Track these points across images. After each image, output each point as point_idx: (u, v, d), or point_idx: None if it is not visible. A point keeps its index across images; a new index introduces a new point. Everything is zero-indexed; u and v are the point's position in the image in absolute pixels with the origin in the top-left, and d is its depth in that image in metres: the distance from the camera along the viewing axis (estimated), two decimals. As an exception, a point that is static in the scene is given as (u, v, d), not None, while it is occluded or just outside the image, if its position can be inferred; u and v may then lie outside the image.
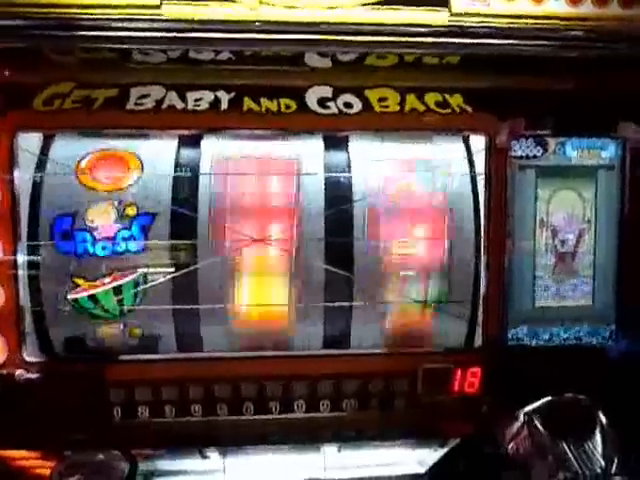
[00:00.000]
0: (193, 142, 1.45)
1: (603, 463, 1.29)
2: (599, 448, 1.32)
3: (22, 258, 1.38)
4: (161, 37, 1.26)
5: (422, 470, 1.45)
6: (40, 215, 1.39)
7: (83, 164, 1.42)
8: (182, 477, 1.42)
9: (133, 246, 1.41)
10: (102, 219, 1.40)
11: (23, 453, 1.37)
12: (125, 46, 1.27)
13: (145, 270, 1.41)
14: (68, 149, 1.42)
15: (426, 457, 1.47)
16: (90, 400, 1.39)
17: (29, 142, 1.40)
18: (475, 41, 1.31)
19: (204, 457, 1.44)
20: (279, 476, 1.42)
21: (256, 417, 1.43)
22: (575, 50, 1.35)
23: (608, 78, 1.43)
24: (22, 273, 1.39)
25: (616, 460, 1.30)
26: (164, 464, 1.41)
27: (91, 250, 1.40)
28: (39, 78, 1.36)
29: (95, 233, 1.40)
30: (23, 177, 1.38)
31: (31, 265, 1.40)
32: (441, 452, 1.47)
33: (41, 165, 1.40)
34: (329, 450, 1.46)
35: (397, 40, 1.29)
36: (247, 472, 1.43)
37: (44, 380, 1.38)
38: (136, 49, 1.30)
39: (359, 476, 1.44)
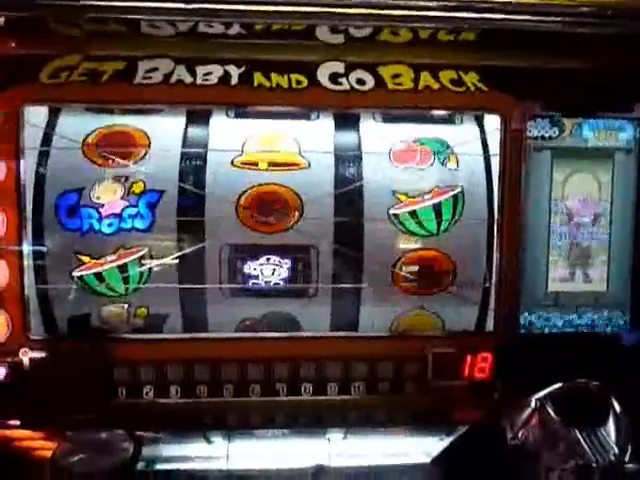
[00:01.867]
0: (202, 118, 1.43)
1: (617, 451, 1.26)
2: (612, 436, 1.29)
3: (27, 234, 1.36)
4: (170, 8, 1.23)
5: (428, 459, 1.43)
6: (45, 191, 1.37)
7: (90, 139, 1.40)
8: (185, 463, 1.39)
9: (139, 223, 1.39)
10: (108, 196, 1.38)
11: (27, 433, 1.36)
12: (133, 16, 1.24)
13: (151, 248, 1.39)
14: (75, 124, 1.40)
15: (433, 445, 1.45)
16: (94, 380, 1.37)
17: (35, 116, 1.38)
18: (491, 16, 1.28)
19: (209, 442, 1.43)
20: (282, 463, 1.40)
21: (263, 399, 1.41)
22: (593, 27, 1.31)
23: (627, 58, 1.39)
24: (27, 250, 1.36)
25: (630, 448, 1.28)
26: (167, 449, 1.38)
27: (97, 227, 1.38)
28: (45, 50, 1.33)
29: (101, 210, 1.38)
30: (29, 152, 1.36)
31: (36, 242, 1.37)
32: (448, 440, 1.45)
33: (47, 140, 1.38)
34: (334, 437, 1.44)
35: (411, 14, 1.26)
36: (250, 459, 1.40)
37: (48, 359, 1.37)
38: (144, 21, 1.27)
39: (364, 464, 1.41)
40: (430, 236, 1.45)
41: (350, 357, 1.42)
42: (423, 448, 1.43)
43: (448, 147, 1.46)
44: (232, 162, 1.42)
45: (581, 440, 1.27)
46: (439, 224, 1.44)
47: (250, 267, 1.41)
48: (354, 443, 1.44)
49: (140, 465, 1.30)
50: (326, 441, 1.42)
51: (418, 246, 1.45)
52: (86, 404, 1.35)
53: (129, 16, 1.25)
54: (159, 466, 1.34)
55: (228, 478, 1.34)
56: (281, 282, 1.42)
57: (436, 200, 1.44)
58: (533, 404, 1.37)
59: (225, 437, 1.40)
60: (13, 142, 1.34)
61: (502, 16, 1.28)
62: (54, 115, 1.41)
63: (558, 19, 1.31)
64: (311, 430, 1.43)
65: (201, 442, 1.41)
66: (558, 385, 1.37)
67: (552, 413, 1.33)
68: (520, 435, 1.37)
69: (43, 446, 1.34)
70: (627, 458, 1.26)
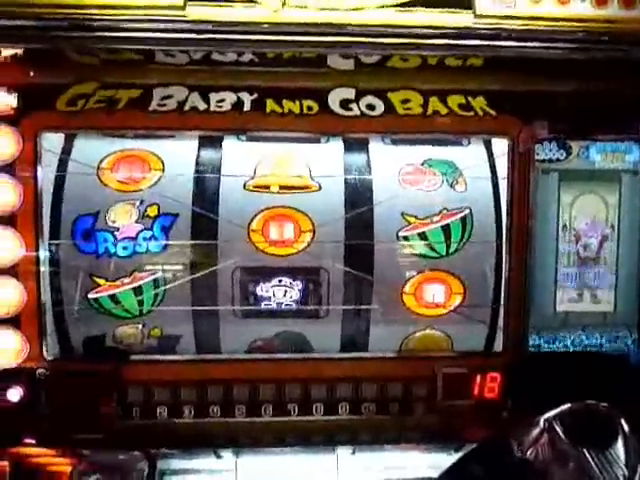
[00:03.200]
0: (215, 143, 1.45)
1: (626, 472, 1.27)
2: (622, 456, 1.30)
3: (44, 257, 1.39)
4: (184, 38, 1.26)
5: (435, 474, 1.44)
6: (62, 215, 1.40)
7: (105, 164, 1.43)
8: (194, 476, 1.42)
9: (154, 247, 1.41)
10: (123, 219, 1.41)
11: (42, 451, 1.38)
12: (148, 47, 1.28)
13: (166, 271, 1.42)
14: (90, 149, 1.43)
15: (441, 462, 1.45)
16: (109, 399, 1.39)
17: (52, 142, 1.40)
18: (499, 43, 1.30)
19: (218, 457, 1.44)
20: (291, 478, 1.42)
21: (274, 419, 1.43)
22: (600, 52, 1.33)
23: (633, 81, 1.41)
24: (44, 272, 1.39)
25: (639, 469, 1.29)
26: (176, 463, 1.41)
27: (112, 250, 1.41)
28: (62, 79, 1.37)
29: (116, 233, 1.41)
30: (46, 177, 1.39)
31: (52, 264, 1.40)
32: (456, 457, 1.46)
33: (63, 165, 1.41)
34: (342, 453, 1.45)
35: (421, 42, 1.29)
36: (259, 473, 1.43)
37: (64, 379, 1.38)
38: (159, 50, 1.30)
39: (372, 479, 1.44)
40: (439, 258, 1.47)
41: (360, 378, 1.44)
42: (431, 465, 1.44)
43: (456, 170, 1.48)
44: (244, 185, 1.44)
45: (590, 461, 1.28)
46: (448, 246, 1.46)
47: (262, 289, 1.43)
48: (362, 459, 1.45)
49: (154, 480, 1.32)
50: (334, 457, 1.44)
51: (427, 268, 1.46)
52: (101, 424, 1.37)
53: (146, 47, 1.28)
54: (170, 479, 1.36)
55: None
56: (292, 304, 1.44)
57: (445, 222, 1.46)
58: (542, 424, 1.38)
59: (234, 452, 1.42)
60: (31, 168, 1.37)
61: (507, 43, 1.31)
62: (70, 141, 1.43)
63: (563, 45, 1.33)
64: (321, 448, 1.44)
65: (212, 459, 1.43)
66: (567, 405, 1.39)
67: (561, 433, 1.34)
68: (529, 454, 1.38)
69: (58, 464, 1.37)
70: (636, 478, 1.27)
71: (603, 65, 1.37)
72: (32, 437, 1.37)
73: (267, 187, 1.45)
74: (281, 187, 1.45)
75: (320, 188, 1.45)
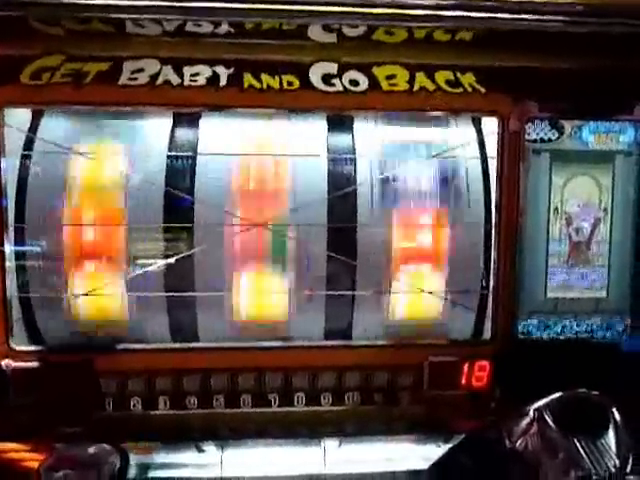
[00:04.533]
0: (190, 121, 1.38)
1: (617, 461, 1.23)
2: (613, 446, 1.26)
3: (9, 240, 1.32)
4: (156, 6, 1.18)
5: (425, 466, 1.40)
6: (28, 195, 1.32)
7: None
8: (178, 470, 1.35)
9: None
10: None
11: (11, 445, 1.31)
12: (118, 15, 1.19)
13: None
14: (58, 127, 1.36)
15: (429, 453, 1.41)
16: (81, 391, 1.33)
17: (17, 118, 1.33)
18: (487, 15, 1.24)
19: (200, 451, 1.39)
20: (278, 471, 1.36)
21: (255, 410, 1.37)
22: (593, 26, 1.27)
23: (627, 59, 1.36)
24: (9, 258, 1.32)
25: (630, 459, 1.25)
26: (159, 457, 1.34)
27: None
28: (26, 50, 1.28)
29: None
30: (10, 156, 1.31)
31: (18, 250, 1.33)
32: (445, 448, 1.42)
33: (29, 143, 1.33)
34: (330, 445, 1.40)
35: (406, 13, 1.22)
36: (245, 466, 1.36)
37: (33, 370, 1.32)
38: (129, 20, 1.22)
39: (360, 471, 1.38)
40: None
41: (344, 366, 1.39)
42: (420, 456, 1.39)
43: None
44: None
45: (581, 450, 1.24)
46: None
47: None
48: (349, 450, 1.40)
49: (132, 473, 1.26)
50: (321, 449, 1.39)
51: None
52: (73, 416, 1.31)
53: (114, 15, 1.20)
54: (152, 474, 1.30)
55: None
56: (274, 288, 1.39)
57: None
58: (532, 413, 1.34)
59: (219, 446, 1.36)
60: (-7, 145, 1.30)
61: (500, 15, 1.25)
62: (37, 117, 1.36)
63: (557, 18, 1.27)
64: (306, 439, 1.39)
65: (193, 451, 1.37)
66: (557, 394, 1.35)
67: (551, 423, 1.30)
68: (518, 444, 1.34)
69: (29, 459, 1.31)
70: (628, 469, 1.24)
71: (597, 42, 1.31)
72: (0, 430, 1.30)
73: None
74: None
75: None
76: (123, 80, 1.31)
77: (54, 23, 1.25)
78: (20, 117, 1.35)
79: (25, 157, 1.34)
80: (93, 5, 1.19)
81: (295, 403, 1.38)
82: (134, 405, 1.35)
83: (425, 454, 1.40)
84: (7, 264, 1.32)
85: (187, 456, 1.36)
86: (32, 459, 1.30)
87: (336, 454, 1.39)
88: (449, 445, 1.40)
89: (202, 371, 1.36)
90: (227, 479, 1.32)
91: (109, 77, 1.31)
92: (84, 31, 1.26)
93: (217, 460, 1.36)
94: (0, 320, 1.32)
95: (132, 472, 1.28)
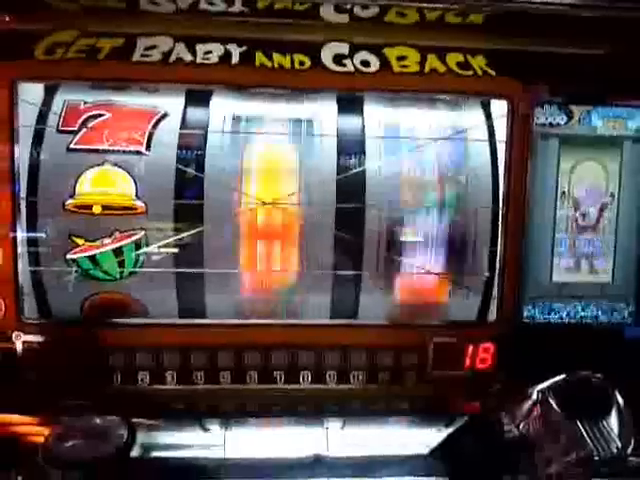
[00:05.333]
0: (202, 98, 1.39)
1: (619, 444, 1.24)
2: (615, 428, 1.27)
3: (20, 216, 1.33)
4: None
5: (428, 449, 1.41)
6: (40, 171, 1.33)
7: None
8: (182, 451, 1.36)
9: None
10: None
11: (20, 418, 1.33)
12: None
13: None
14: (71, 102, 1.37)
15: (432, 436, 1.42)
16: (89, 365, 1.34)
17: (30, 93, 1.34)
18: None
19: (205, 430, 1.40)
20: (280, 452, 1.38)
21: (260, 386, 1.38)
22: (603, 11, 1.28)
23: (638, 44, 1.37)
24: (21, 231, 1.33)
25: (632, 441, 1.26)
26: (163, 436, 1.36)
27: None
28: (41, 25, 1.30)
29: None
30: (24, 129, 1.32)
31: (30, 223, 1.34)
32: (447, 432, 1.43)
33: (43, 118, 1.34)
34: (332, 427, 1.41)
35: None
36: (248, 447, 1.37)
37: (42, 343, 1.34)
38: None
39: (362, 454, 1.39)
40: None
41: (350, 345, 1.40)
42: (422, 438, 1.40)
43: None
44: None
45: (583, 432, 1.25)
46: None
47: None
48: (352, 433, 1.42)
49: (136, 453, 1.27)
50: (324, 430, 1.40)
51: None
52: (81, 389, 1.32)
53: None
54: (156, 454, 1.31)
55: (225, 466, 1.31)
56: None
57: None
58: (535, 396, 1.35)
59: (222, 425, 1.38)
60: (7, 120, 1.30)
61: (512, -3, 1.26)
62: (50, 93, 1.36)
63: (568, 2, 1.28)
64: (309, 419, 1.40)
65: (198, 430, 1.39)
66: (560, 377, 1.35)
67: (554, 405, 1.31)
68: (521, 427, 1.35)
69: (37, 431, 1.32)
70: (629, 451, 1.24)
71: (608, 27, 1.31)
72: (8, 402, 1.31)
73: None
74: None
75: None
76: (136, 56, 1.31)
77: (69, -1, 1.27)
78: (33, 92, 1.36)
79: (38, 132, 1.34)
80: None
81: (300, 381, 1.40)
82: (142, 379, 1.37)
83: (428, 436, 1.41)
84: (19, 239, 1.33)
85: (191, 435, 1.37)
86: (40, 432, 1.32)
87: (339, 436, 1.41)
88: (453, 427, 1.42)
89: (209, 347, 1.37)
90: (230, 459, 1.33)
91: (123, 53, 1.31)
92: (98, 7, 1.27)
93: (220, 441, 1.37)
94: (11, 294, 1.34)
95: (136, 451, 1.28)
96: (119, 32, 1.31)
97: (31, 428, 1.33)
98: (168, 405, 1.37)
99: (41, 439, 1.27)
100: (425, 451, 1.37)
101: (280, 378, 1.39)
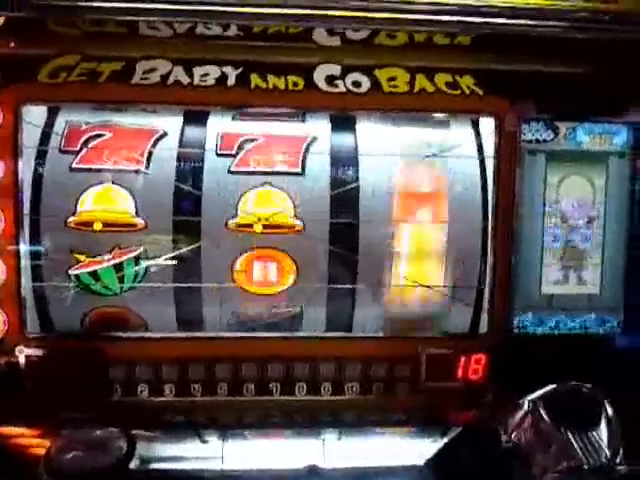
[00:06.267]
0: (199, 118, 1.43)
1: (608, 453, 1.27)
2: (604, 438, 1.29)
3: (24, 233, 1.37)
4: (168, 10, 1.24)
5: (422, 460, 1.43)
6: (43, 189, 1.37)
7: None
8: (180, 463, 1.38)
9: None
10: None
11: (21, 430, 1.35)
12: (131, 18, 1.25)
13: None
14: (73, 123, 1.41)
15: (426, 447, 1.44)
16: (90, 377, 1.38)
17: (34, 115, 1.38)
18: (487, 20, 1.29)
19: (203, 441, 1.43)
20: (278, 463, 1.40)
21: (257, 398, 1.42)
22: (589, 32, 1.32)
23: (622, 62, 1.41)
24: (23, 248, 1.37)
25: (621, 451, 1.29)
26: (162, 449, 1.38)
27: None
28: (44, 50, 1.35)
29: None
30: (27, 150, 1.36)
31: (33, 240, 1.38)
32: (442, 442, 1.45)
33: (45, 139, 1.38)
34: (328, 438, 1.44)
35: (407, 17, 1.28)
36: (246, 459, 1.39)
37: (44, 357, 1.37)
38: (143, 22, 1.29)
39: (358, 466, 1.41)
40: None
41: (344, 357, 1.43)
42: (416, 450, 1.42)
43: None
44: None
45: (573, 442, 1.27)
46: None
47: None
48: (348, 444, 1.44)
49: (134, 464, 1.29)
50: (320, 442, 1.43)
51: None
52: (82, 402, 1.35)
53: (127, 17, 1.26)
54: (154, 466, 1.33)
55: (223, 478, 1.34)
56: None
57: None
58: (526, 406, 1.37)
59: (220, 437, 1.40)
60: (12, 141, 1.34)
61: (497, 20, 1.30)
62: (52, 114, 1.41)
63: (553, 24, 1.32)
64: (306, 431, 1.42)
65: (196, 442, 1.41)
66: (551, 387, 1.38)
67: (545, 415, 1.33)
68: (513, 437, 1.37)
69: (38, 444, 1.34)
70: (618, 460, 1.27)
71: (592, 46, 1.36)
72: (10, 415, 1.34)
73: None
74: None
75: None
76: (136, 79, 1.36)
77: (71, 25, 1.31)
78: (36, 114, 1.40)
79: (41, 152, 1.38)
80: (108, 8, 1.25)
81: (296, 392, 1.43)
82: (141, 392, 1.40)
83: (422, 447, 1.43)
84: (22, 255, 1.37)
85: (190, 447, 1.39)
86: (41, 445, 1.34)
87: (335, 448, 1.43)
88: (446, 438, 1.44)
89: (207, 360, 1.40)
90: (227, 471, 1.34)
91: (122, 76, 1.36)
92: (99, 32, 1.33)
93: (218, 453, 1.39)
94: (15, 309, 1.37)
95: (135, 464, 1.30)
96: (119, 56, 1.36)
97: (32, 440, 1.36)
98: (167, 417, 1.40)
99: (43, 451, 1.29)
100: (421, 462, 1.40)
101: (276, 390, 1.43)
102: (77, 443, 1.27)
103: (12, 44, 1.33)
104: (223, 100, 1.39)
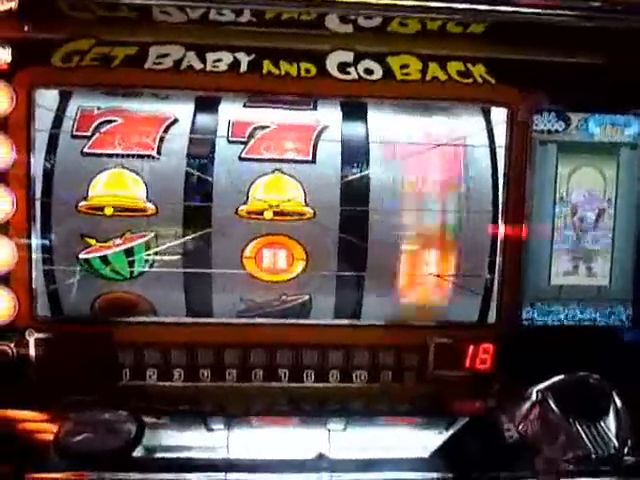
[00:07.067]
0: (211, 105, 1.44)
1: (617, 444, 1.27)
2: (613, 429, 1.30)
3: (35, 216, 1.37)
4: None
5: (428, 450, 1.43)
6: (55, 173, 1.38)
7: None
8: (186, 452, 1.38)
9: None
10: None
11: (30, 414, 1.36)
12: (144, 3, 1.26)
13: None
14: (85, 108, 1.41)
15: (433, 437, 1.44)
16: (99, 361, 1.38)
17: (46, 99, 1.39)
18: (500, 8, 1.29)
19: (209, 429, 1.43)
20: (284, 452, 1.40)
21: (264, 384, 1.42)
22: (603, 22, 1.32)
23: (634, 53, 1.40)
24: (35, 231, 1.38)
25: (630, 441, 1.29)
26: (168, 437, 1.38)
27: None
28: (58, 34, 1.35)
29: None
30: (39, 133, 1.37)
31: (44, 224, 1.39)
32: (448, 432, 1.45)
33: (58, 122, 1.39)
34: (334, 428, 1.44)
35: (420, 5, 1.28)
36: (251, 448, 1.39)
37: (54, 340, 1.38)
38: (156, 7, 1.29)
39: (364, 457, 1.40)
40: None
41: (352, 345, 1.43)
42: (423, 440, 1.41)
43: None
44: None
45: (581, 432, 1.27)
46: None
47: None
48: (354, 435, 1.43)
49: (140, 452, 1.30)
50: (326, 432, 1.43)
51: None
52: (90, 386, 1.36)
53: (141, 2, 1.27)
54: (160, 454, 1.33)
55: (229, 467, 1.34)
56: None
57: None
58: (534, 396, 1.37)
59: (226, 425, 1.40)
60: (24, 124, 1.35)
61: (510, 9, 1.30)
62: (65, 99, 1.41)
63: (568, 13, 1.32)
64: (312, 420, 1.42)
65: (202, 430, 1.41)
66: (559, 378, 1.38)
67: (553, 405, 1.33)
68: (520, 427, 1.37)
69: (46, 427, 1.35)
70: (626, 451, 1.27)
71: (605, 36, 1.36)
72: (19, 398, 1.34)
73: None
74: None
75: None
76: (149, 64, 1.36)
77: (84, 9, 1.31)
78: (48, 98, 1.40)
79: (53, 136, 1.39)
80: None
81: (304, 379, 1.43)
82: (150, 376, 1.41)
83: (428, 437, 1.42)
84: (33, 239, 1.37)
85: (195, 435, 1.39)
86: (49, 428, 1.35)
87: (341, 439, 1.44)
88: (453, 428, 1.44)
89: (215, 346, 1.41)
90: (233, 460, 1.33)
91: (136, 61, 1.36)
92: (113, 17, 1.33)
93: (224, 442, 1.39)
94: (25, 293, 1.38)
95: (140, 453, 1.31)
96: (133, 41, 1.36)
97: (40, 424, 1.36)
98: (175, 401, 1.40)
99: (51, 434, 1.30)
100: (427, 452, 1.40)
101: (284, 376, 1.43)
102: (86, 425, 1.28)
103: (26, 28, 1.33)
104: (235, 86, 1.39)
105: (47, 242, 1.39)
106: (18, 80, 1.34)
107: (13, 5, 1.28)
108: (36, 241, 1.38)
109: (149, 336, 1.41)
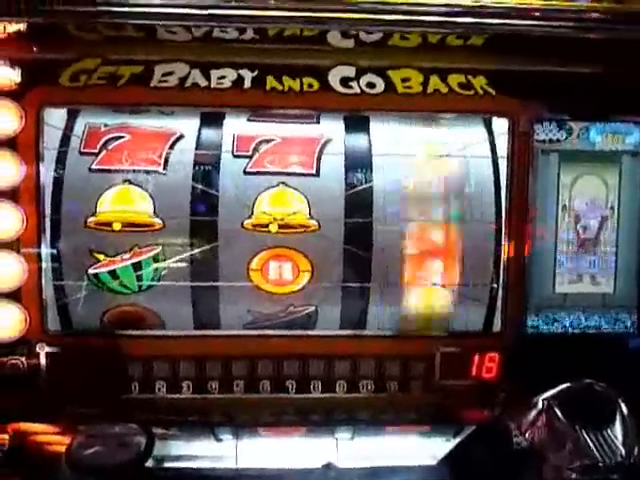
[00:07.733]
0: (215, 121, 1.46)
1: (623, 451, 1.27)
2: (619, 436, 1.30)
3: (45, 232, 1.40)
4: (185, 14, 1.28)
5: (435, 459, 1.44)
6: (63, 190, 1.41)
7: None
8: (194, 462, 1.40)
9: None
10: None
11: (41, 426, 1.38)
12: (150, 22, 1.29)
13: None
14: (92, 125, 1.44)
15: (440, 446, 1.45)
16: (108, 374, 1.40)
17: (54, 118, 1.41)
18: (499, 21, 1.31)
19: (217, 440, 1.45)
20: (291, 463, 1.42)
21: (272, 396, 1.44)
22: (600, 32, 1.34)
23: (634, 62, 1.41)
24: (45, 247, 1.40)
25: (636, 449, 1.29)
26: (177, 448, 1.40)
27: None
28: (65, 55, 1.38)
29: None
30: (48, 152, 1.40)
31: (53, 240, 1.41)
32: (455, 441, 1.46)
33: (66, 140, 1.42)
34: (342, 437, 1.45)
35: (420, 19, 1.30)
36: (259, 458, 1.41)
37: (64, 354, 1.40)
38: (161, 27, 1.31)
39: (371, 466, 1.41)
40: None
41: (359, 355, 1.45)
42: (430, 448, 1.43)
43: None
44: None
45: (588, 440, 1.27)
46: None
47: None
48: (361, 444, 1.44)
49: (150, 463, 1.31)
50: (334, 441, 1.44)
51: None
52: (100, 398, 1.38)
53: (145, 22, 1.30)
54: (169, 464, 1.35)
55: (237, 477, 1.35)
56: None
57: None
58: (540, 404, 1.38)
59: (234, 436, 1.42)
60: (34, 143, 1.38)
61: (509, 21, 1.32)
62: (73, 117, 1.44)
63: (567, 24, 1.34)
64: (319, 430, 1.44)
65: (211, 441, 1.43)
66: (565, 385, 1.39)
67: (559, 413, 1.33)
68: (527, 435, 1.38)
69: (57, 440, 1.37)
70: (633, 458, 1.27)
71: (605, 46, 1.37)
72: (30, 411, 1.37)
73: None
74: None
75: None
76: (154, 82, 1.39)
77: (91, 30, 1.34)
78: (56, 116, 1.43)
79: (61, 154, 1.42)
80: (128, 13, 1.28)
81: (311, 390, 1.45)
82: (159, 389, 1.42)
83: (435, 446, 1.43)
84: (43, 255, 1.40)
85: (204, 445, 1.41)
86: (60, 441, 1.37)
87: (348, 448, 1.44)
88: (459, 437, 1.45)
89: (223, 358, 1.43)
90: (241, 470, 1.35)
91: (142, 79, 1.39)
92: (119, 37, 1.35)
93: (232, 452, 1.40)
94: (36, 307, 1.40)
95: (149, 463, 1.31)
96: (138, 59, 1.39)
97: (51, 437, 1.38)
98: (184, 413, 1.42)
99: (61, 447, 1.31)
100: (434, 460, 1.40)
101: (292, 387, 1.45)
102: (97, 438, 1.29)
103: (35, 49, 1.37)
104: (239, 102, 1.41)
105: (57, 257, 1.41)
106: (27, 100, 1.37)
107: (22, 26, 1.31)
108: (46, 257, 1.40)
109: (157, 349, 1.43)
